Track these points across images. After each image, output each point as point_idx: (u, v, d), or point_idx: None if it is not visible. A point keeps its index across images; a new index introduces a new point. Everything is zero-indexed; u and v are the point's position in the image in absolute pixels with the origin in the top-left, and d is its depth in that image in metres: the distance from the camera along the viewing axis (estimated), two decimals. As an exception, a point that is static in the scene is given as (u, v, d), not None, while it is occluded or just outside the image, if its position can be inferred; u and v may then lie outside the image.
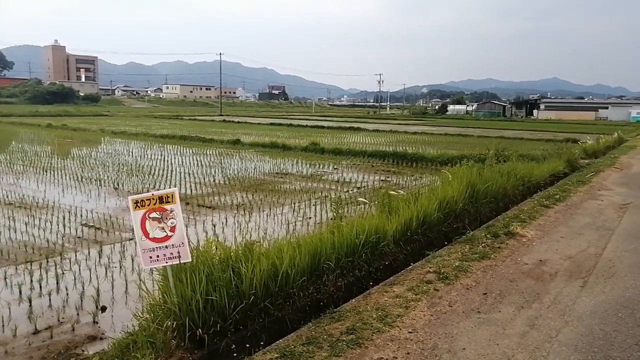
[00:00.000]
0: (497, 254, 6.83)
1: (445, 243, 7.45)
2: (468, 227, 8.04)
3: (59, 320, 5.22)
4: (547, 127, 46.98)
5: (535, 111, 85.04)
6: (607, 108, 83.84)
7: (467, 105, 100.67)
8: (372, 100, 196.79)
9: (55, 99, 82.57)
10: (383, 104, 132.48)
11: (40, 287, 6.09)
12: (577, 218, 9.21)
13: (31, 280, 6.26)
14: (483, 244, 7.19)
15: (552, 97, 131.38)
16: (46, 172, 15.00)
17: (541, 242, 7.50)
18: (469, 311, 4.92)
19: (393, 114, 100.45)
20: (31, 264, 6.82)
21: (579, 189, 12.30)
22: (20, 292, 5.88)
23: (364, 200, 9.35)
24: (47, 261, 6.99)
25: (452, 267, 6.16)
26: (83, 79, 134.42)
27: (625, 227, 8.55)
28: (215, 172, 15.61)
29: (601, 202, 10.69)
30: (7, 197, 11.28)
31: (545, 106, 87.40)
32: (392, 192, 7.94)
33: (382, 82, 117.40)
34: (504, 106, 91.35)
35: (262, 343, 4.37)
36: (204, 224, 9.24)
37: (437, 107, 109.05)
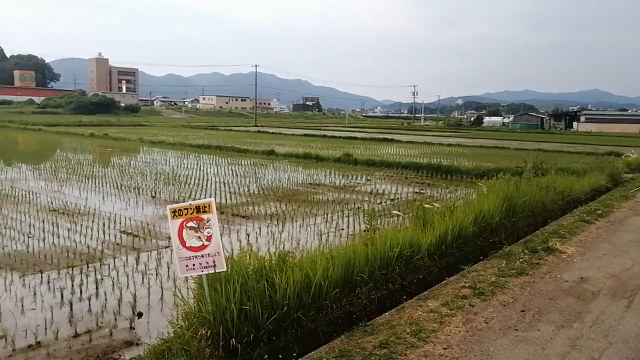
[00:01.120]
0: (536, 270, 6.64)
1: (481, 258, 7.30)
2: (505, 242, 7.85)
3: (97, 325, 5.36)
4: (587, 139, 45.46)
5: (575, 123, 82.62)
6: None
7: (504, 117, 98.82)
8: (406, 112, 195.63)
9: (97, 109, 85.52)
10: (417, 115, 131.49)
11: (81, 291, 6.28)
12: (620, 234, 8.86)
13: (72, 285, 6.46)
14: (521, 260, 7.01)
15: (593, 109, 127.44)
16: (88, 180, 15.52)
17: (582, 259, 7.25)
18: (506, 329, 4.79)
19: (427, 125, 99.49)
20: (72, 269, 7.05)
21: (623, 204, 11.84)
22: (62, 296, 6.08)
23: (398, 212, 9.27)
24: (88, 266, 7.21)
25: (488, 283, 6.02)
26: (124, 90, 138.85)
27: (673, 245, 8.16)
28: (249, 182, 15.80)
29: (647, 219, 10.26)
30: (52, 203, 11.72)
31: (586, 118, 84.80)
32: (427, 206, 7.85)
33: (417, 93, 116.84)
34: (542, 118, 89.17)
35: (294, 354, 4.36)
36: (238, 233, 9.35)
37: (472, 118, 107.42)
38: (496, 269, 6.61)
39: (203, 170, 18.43)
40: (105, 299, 6.06)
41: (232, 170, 18.64)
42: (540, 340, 4.56)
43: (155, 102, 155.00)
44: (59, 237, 8.74)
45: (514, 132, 67.59)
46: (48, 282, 6.55)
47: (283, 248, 7.78)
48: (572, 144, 37.43)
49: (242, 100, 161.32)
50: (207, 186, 14.74)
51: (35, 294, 6.17)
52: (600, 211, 10.76)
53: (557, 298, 5.66)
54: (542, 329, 4.80)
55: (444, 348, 4.35)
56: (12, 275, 6.79)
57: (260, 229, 9.73)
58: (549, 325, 4.91)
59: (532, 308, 5.33)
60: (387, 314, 5.14)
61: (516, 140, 41.83)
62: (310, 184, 15.92)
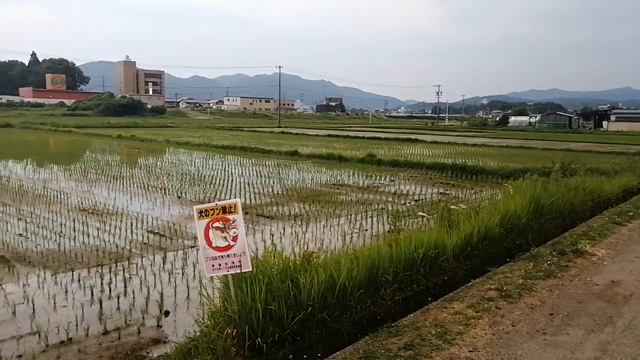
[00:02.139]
0: (564, 272, 6.51)
1: (507, 259, 7.18)
2: (532, 244, 7.70)
3: (126, 322, 5.48)
4: (618, 139, 44.30)
5: (605, 122, 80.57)
6: (688, 119, 78.05)
7: (530, 117, 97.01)
8: (430, 112, 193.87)
9: (125, 111, 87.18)
10: (441, 115, 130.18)
11: (110, 289, 6.43)
12: (653, 237, 8.61)
13: (102, 283, 6.62)
14: (548, 262, 6.87)
15: (624, 108, 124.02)
16: (116, 180, 15.86)
17: (613, 262, 7.07)
18: (534, 332, 4.71)
19: (452, 125, 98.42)
20: (102, 268, 7.22)
21: (656, 205, 11.50)
22: (92, 294, 6.24)
23: (423, 214, 9.20)
24: (116, 265, 7.38)
25: (515, 285, 5.93)
26: (150, 92, 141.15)
27: None
28: (273, 182, 15.90)
29: (681, 221, 9.93)
30: (82, 203, 12.02)
31: (617, 117, 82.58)
32: (452, 207, 7.77)
33: (441, 93, 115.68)
34: (570, 117, 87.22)
35: (319, 355, 4.38)
36: (262, 233, 9.42)
37: (497, 118, 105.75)
38: (523, 271, 6.50)
39: (228, 171, 18.63)
40: (134, 298, 6.19)
41: (257, 171, 18.79)
42: (569, 344, 4.47)
43: (180, 103, 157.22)
44: (88, 236, 8.97)
45: (541, 131, 66.31)
46: (79, 280, 6.73)
47: (307, 248, 7.80)
48: (601, 144, 36.52)
49: (265, 101, 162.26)
50: (231, 186, 14.90)
51: (66, 291, 6.34)
52: (632, 213, 10.47)
53: (587, 302, 5.54)
54: (572, 333, 4.70)
55: (470, 351, 4.30)
56: (44, 273, 6.99)
57: (284, 229, 9.78)
58: (579, 329, 4.80)
59: (561, 311, 5.22)
60: (411, 315, 5.11)
61: (543, 140, 41.03)
62: (333, 184, 15.93)
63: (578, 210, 10.29)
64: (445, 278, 6.26)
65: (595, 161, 19.86)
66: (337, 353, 4.29)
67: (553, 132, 64.97)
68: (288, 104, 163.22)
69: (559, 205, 9.41)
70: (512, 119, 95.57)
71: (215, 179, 16.24)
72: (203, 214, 4.41)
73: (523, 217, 8.19)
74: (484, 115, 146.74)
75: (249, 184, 15.45)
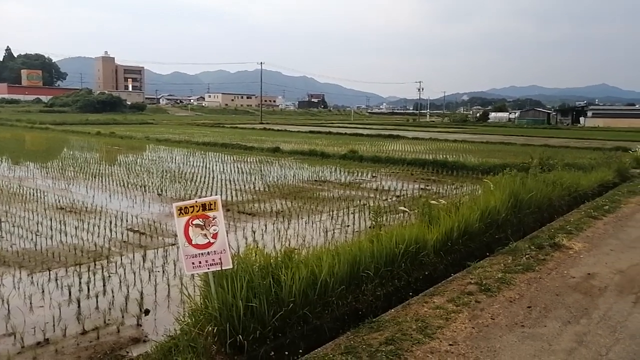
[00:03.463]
0: (542, 266, 6.62)
1: (487, 254, 7.28)
2: (511, 238, 7.82)
3: (105, 322, 5.40)
4: (594, 135, 45.16)
5: (582, 119, 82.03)
6: (661, 115, 79.87)
7: (510, 113, 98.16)
8: (411, 108, 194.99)
9: (104, 108, 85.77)
10: (423, 111, 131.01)
11: (88, 289, 6.33)
12: (628, 230, 8.81)
13: (80, 282, 6.51)
14: (527, 256, 6.98)
15: (601, 104, 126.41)
16: (95, 178, 15.61)
17: (589, 255, 7.22)
18: (513, 325, 4.78)
19: (433, 121, 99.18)
20: (80, 267, 7.10)
21: (630, 199, 11.77)
22: (70, 294, 6.13)
23: (405, 209, 9.26)
24: (95, 264, 7.26)
25: (495, 279, 6.01)
26: (130, 89, 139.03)
27: (681, 240, 8.11)
28: (255, 179, 15.83)
29: (655, 214, 10.18)
30: (59, 202, 11.79)
31: (593, 113, 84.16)
32: (432, 202, 7.83)
33: (422, 89, 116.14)
34: (549, 114, 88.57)
35: (300, 351, 4.37)
36: (244, 230, 9.38)
37: (478, 114, 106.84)
38: (502, 265, 6.59)
39: (209, 168, 18.48)
40: (113, 297, 6.10)
41: (238, 168, 18.68)
42: (546, 336, 4.56)
43: (161, 100, 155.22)
44: (66, 235, 8.81)
45: (520, 127, 67.20)
46: (56, 280, 6.60)
47: (289, 245, 7.79)
48: (579, 140, 37.19)
49: (247, 97, 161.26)
50: (213, 184, 14.79)
51: (43, 291, 6.23)
52: (607, 207, 10.70)
53: (564, 294, 5.64)
54: (549, 325, 4.79)
55: (450, 344, 4.35)
56: (20, 272, 6.85)
57: (266, 226, 9.75)
58: (556, 321, 4.89)
59: (538, 304, 5.31)
60: (392, 310, 5.15)
61: (522, 136, 41.57)
62: (315, 180, 15.93)
63: (556, 204, 10.48)
64: (426, 273, 6.31)
65: (572, 156, 20.23)
66: (319, 349, 4.30)
67: (532, 128, 65.89)
68: (270, 101, 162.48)
69: (538, 200, 9.56)
70: (492, 115, 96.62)
71: (196, 176, 16.10)
72: (183, 211, 4.37)
73: (502, 212, 8.31)
74: (464, 112, 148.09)
75: (230, 181, 15.35)
